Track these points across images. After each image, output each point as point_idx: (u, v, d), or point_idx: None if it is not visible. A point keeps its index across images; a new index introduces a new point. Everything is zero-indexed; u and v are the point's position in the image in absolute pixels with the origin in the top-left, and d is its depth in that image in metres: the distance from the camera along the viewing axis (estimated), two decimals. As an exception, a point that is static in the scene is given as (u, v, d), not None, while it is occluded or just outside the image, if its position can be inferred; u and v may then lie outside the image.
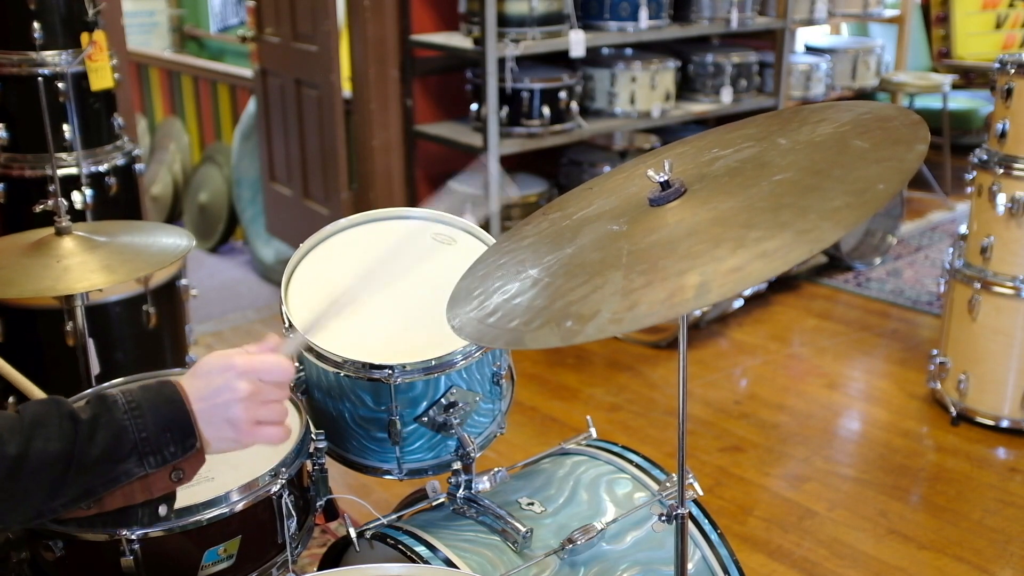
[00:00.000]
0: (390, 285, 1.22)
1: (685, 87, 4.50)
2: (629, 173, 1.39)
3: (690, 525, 1.56)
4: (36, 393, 1.79)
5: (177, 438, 1.11)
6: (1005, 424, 3.13)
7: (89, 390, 1.14)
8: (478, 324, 1.21)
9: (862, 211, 1.03)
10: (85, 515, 1.12)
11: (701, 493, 1.67)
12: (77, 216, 2.69)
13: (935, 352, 3.29)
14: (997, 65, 2.97)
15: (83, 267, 1.89)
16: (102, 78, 2.82)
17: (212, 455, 1.19)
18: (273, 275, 4.75)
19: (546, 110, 3.85)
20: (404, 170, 4.19)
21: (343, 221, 1.79)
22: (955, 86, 5.71)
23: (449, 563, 1.45)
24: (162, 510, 1.17)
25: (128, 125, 3.22)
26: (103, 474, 1.08)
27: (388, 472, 1.64)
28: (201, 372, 1.17)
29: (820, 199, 1.07)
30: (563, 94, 3.89)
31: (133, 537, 1.43)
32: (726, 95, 4.45)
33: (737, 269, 1.03)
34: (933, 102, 5.69)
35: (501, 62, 3.66)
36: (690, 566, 1.57)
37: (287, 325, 1.59)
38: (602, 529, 1.54)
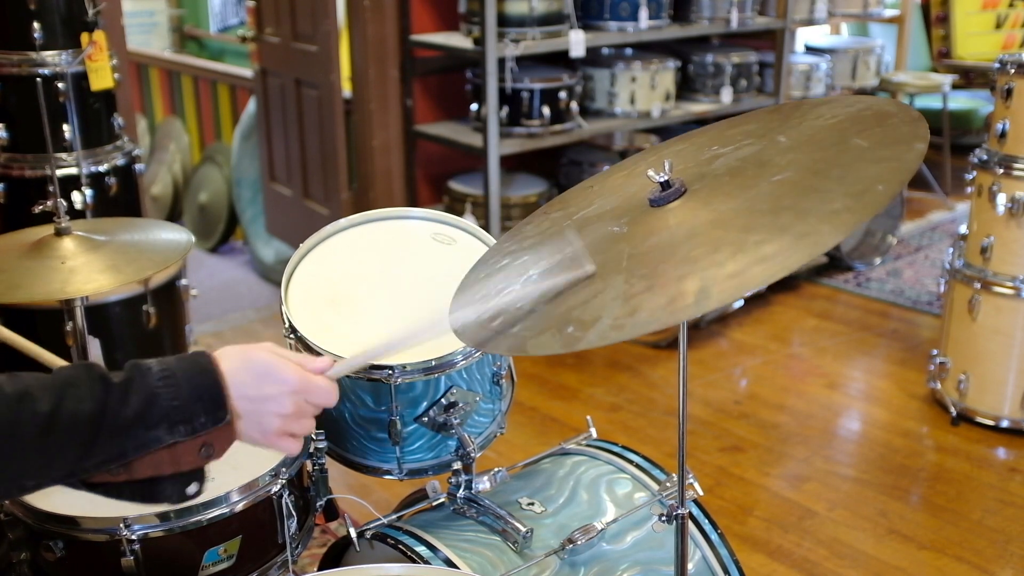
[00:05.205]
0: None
1: (685, 87, 4.49)
2: (629, 171, 1.38)
3: (690, 525, 1.55)
4: (59, 363, 1.74)
5: (208, 408, 1.11)
6: (1005, 424, 3.12)
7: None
8: (480, 329, 1.18)
9: (861, 214, 1.03)
10: (114, 480, 1.12)
11: (701, 493, 1.67)
12: (77, 216, 2.69)
13: (935, 352, 3.29)
14: (997, 65, 2.97)
15: (88, 268, 1.87)
16: (102, 78, 2.82)
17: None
18: (273, 275, 4.75)
19: (546, 110, 3.84)
20: (404, 170, 4.19)
21: (343, 221, 1.79)
22: (955, 86, 5.70)
23: (449, 563, 1.45)
24: (192, 488, 1.15)
25: (128, 125, 3.22)
26: (134, 438, 1.08)
27: (388, 472, 1.64)
28: (253, 368, 1.15)
29: (820, 201, 1.06)
30: (563, 94, 3.89)
31: (133, 537, 1.43)
32: (726, 95, 4.45)
33: (736, 274, 1.02)
34: (933, 102, 5.69)
35: (501, 62, 3.66)
36: (690, 566, 1.57)
37: (287, 326, 1.59)
38: (602, 529, 1.54)
